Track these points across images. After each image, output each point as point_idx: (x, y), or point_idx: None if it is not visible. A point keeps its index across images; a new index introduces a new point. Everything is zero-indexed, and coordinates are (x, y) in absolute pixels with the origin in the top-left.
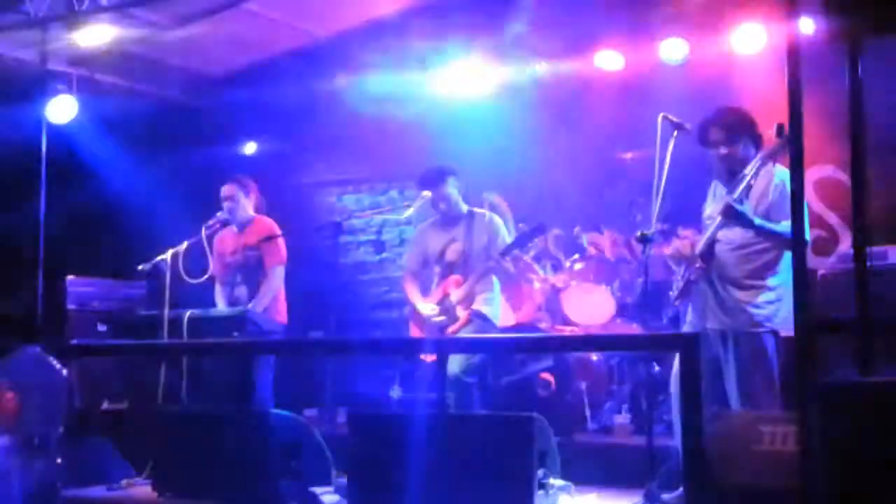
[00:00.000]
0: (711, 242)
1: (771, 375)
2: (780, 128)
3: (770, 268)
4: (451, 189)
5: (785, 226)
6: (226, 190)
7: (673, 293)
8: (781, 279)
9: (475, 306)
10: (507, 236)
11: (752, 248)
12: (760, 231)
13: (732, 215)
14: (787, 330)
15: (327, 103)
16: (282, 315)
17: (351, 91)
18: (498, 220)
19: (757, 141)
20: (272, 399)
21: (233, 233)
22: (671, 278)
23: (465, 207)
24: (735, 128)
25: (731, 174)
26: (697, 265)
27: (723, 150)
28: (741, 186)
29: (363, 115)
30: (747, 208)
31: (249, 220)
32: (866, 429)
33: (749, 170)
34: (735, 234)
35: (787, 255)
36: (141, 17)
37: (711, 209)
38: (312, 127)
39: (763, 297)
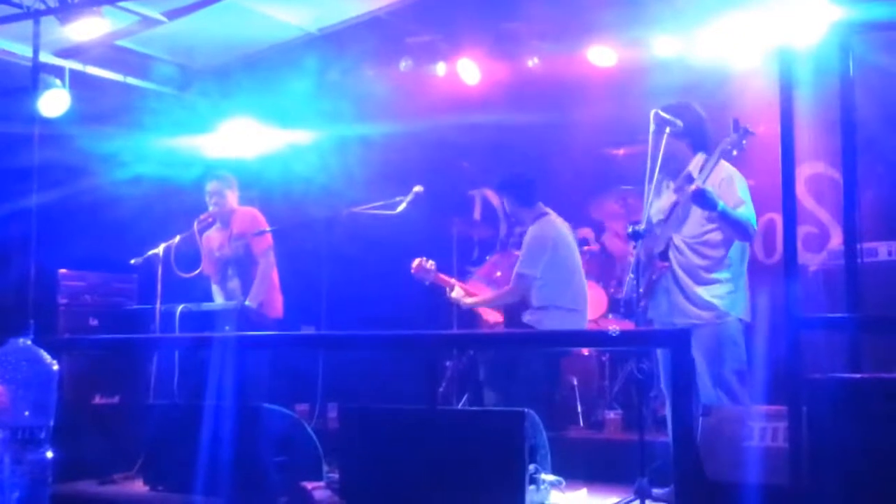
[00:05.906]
0: (668, 240)
1: (741, 362)
2: (735, 122)
3: (721, 263)
4: (499, 197)
5: (740, 213)
6: (210, 187)
7: (638, 294)
8: (734, 272)
9: None
10: (532, 251)
11: (702, 243)
12: (722, 215)
13: (702, 198)
14: (748, 318)
15: None
16: (276, 310)
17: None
18: (532, 233)
19: (701, 139)
20: (264, 394)
21: (218, 229)
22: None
23: (529, 218)
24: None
25: (677, 172)
26: (659, 264)
27: (669, 149)
28: (703, 174)
29: None
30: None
31: (232, 213)
32: (855, 425)
33: (694, 165)
34: (686, 230)
35: (735, 250)
36: (133, 11)
37: (662, 203)
38: None
39: (722, 290)
